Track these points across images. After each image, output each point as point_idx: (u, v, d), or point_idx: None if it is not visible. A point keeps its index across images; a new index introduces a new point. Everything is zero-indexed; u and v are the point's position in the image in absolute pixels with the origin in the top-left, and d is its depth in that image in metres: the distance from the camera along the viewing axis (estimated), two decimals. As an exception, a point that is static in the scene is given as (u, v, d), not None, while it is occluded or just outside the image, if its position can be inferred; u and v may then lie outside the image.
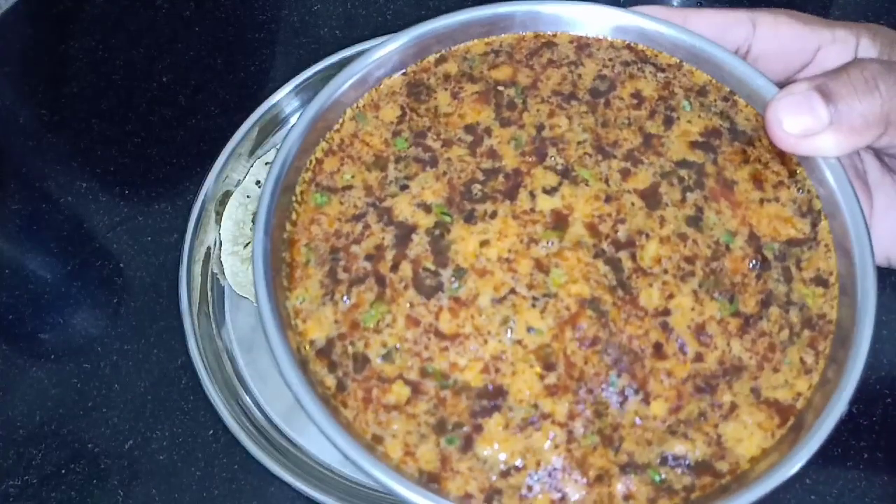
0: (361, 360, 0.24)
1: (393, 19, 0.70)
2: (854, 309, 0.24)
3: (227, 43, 0.70)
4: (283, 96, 0.64)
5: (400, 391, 0.23)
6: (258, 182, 0.61)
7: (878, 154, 0.28)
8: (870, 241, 0.24)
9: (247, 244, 0.58)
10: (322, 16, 0.71)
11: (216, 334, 0.56)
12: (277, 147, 0.26)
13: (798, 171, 0.27)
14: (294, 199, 0.26)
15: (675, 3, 0.70)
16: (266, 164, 0.61)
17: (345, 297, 0.24)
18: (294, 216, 0.26)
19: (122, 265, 0.60)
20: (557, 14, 0.27)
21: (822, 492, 0.50)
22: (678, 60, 0.28)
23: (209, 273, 0.58)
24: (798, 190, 0.26)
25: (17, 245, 0.62)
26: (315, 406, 0.23)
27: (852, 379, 0.24)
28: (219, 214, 0.60)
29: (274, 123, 0.64)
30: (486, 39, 0.28)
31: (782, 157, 0.27)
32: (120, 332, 0.57)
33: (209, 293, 0.58)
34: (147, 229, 0.61)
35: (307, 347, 0.25)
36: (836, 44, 0.29)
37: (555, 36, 0.28)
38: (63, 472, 0.53)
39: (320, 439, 0.51)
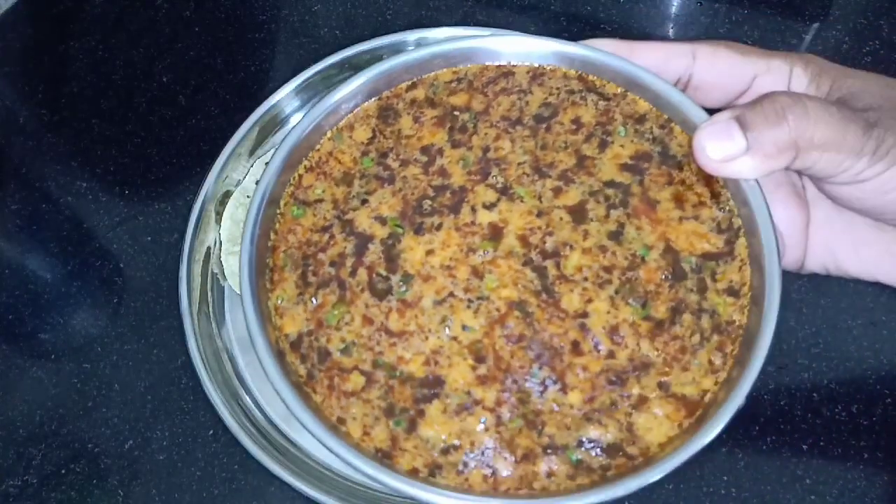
0: (324, 354, 0.27)
1: (393, 19, 0.70)
2: (761, 316, 0.27)
3: (227, 43, 0.70)
4: (283, 96, 0.63)
5: (356, 380, 0.27)
6: (258, 182, 0.61)
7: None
8: (779, 257, 0.27)
9: None
10: (322, 16, 0.71)
11: (216, 334, 0.56)
12: (266, 163, 0.31)
13: (722, 193, 0.29)
14: (278, 211, 0.30)
15: (674, 3, 0.70)
16: (266, 163, 0.61)
17: (313, 298, 0.28)
18: (277, 226, 0.30)
19: (122, 265, 0.60)
20: (503, 49, 0.30)
21: (822, 492, 0.50)
22: (623, 90, 0.31)
23: (209, 273, 0.58)
24: (720, 210, 0.29)
25: (17, 245, 0.62)
26: (288, 392, 0.26)
27: (752, 376, 0.26)
28: (219, 214, 0.60)
29: (274, 123, 0.64)
30: (453, 68, 0.31)
31: (708, 179, 0.29)
32: (120, 332, 0.57)
33: (209, 293, 0.57)
34: (147, 229, 0.61)
35: (283, 340, 0.28)
36: (770, 73, 0.31)
37: (514, 66, 0.30)
38: (63, 472, 0.53)
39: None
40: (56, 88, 0.69)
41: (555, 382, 0.26)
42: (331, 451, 0.25)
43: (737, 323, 0.28)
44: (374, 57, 0.66)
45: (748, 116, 0.27)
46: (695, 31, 0.69)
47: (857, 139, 0.27)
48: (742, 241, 0.29)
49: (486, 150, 0.30)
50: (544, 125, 0.30)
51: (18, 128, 0.67)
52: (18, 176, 0.64)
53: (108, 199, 0.63)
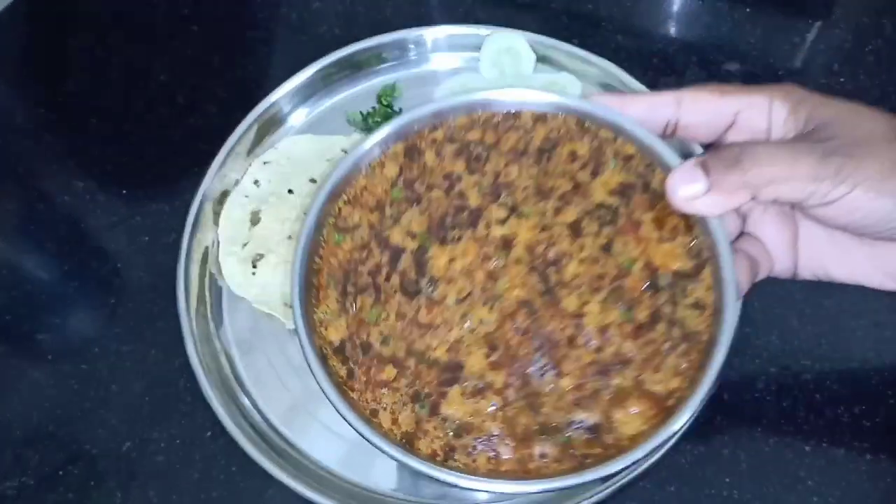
0: (367, 347, 0.33)
1: (393, 17, 0.70)
2: (720, 330, 0.32)
3: (226, 41, 0.70)
4: (281, 95, 0.63)
5: (390, 371, 0.33)
6: (256, 181, 0.60)
7: None
8: (735, 283, 0.33)
9: (245, 244, 0.58)
10: (321, 14, 0.71)
11: (214, 335, 0.56)
12: (308, 206, 0.35)
13: (693, 225, 0.34)
14: (322, 238, 0.35)
15: (676, 2, 0.70)
16: (265, 163, 0.61)
17: (353, 305, 0.33)
18: (321, 251, 0.35)
19: (119, 265, 0.59)
20: (522, 100, 0.36)
21: (824, 494, 0.50)
22: (614, 135, 0.36)
23: (207, 273, 0.58)
24: (691, 239, 0.34)
25: (14, 245, 0.62)
26: (331, 390, 0.32)
27: (709, 380, 0.31)
28: (217, 214, 0.59)
29: (272, 122, 0.64)
30: (470, 115, 0.37)
31: (683, 215, 0.34)
32: (117, 332, 0.57)
33: (207, 294, 0.57)
34: (145, 229, 0.61)
35: (327, 347, 0.33)
36: (752, 108, 0.35)
37: (521, 112, 0.36)
38: (60, 473, 0.53)
39: (319, 440, 0.51)
40: (53, 87, 0.68)
41: (552, 368, 0.31)
42: (365, 438, 0.31)
43: (701, 335, 0.32)
44: (374, 55, 0.66)
45: (709, 162, 0.32)
46: (696, 29, 0.68)
47: (812, 168, 0.31)
48: (708, 268, 0.34)
49: (497, 175, 0.36)
50: (546, 156, 0.36)
51: (15, 126, 0.66)
52: (15, 175, 0.64)
53: (105, 199, 0.62)
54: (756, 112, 0.35)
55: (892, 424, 0.52)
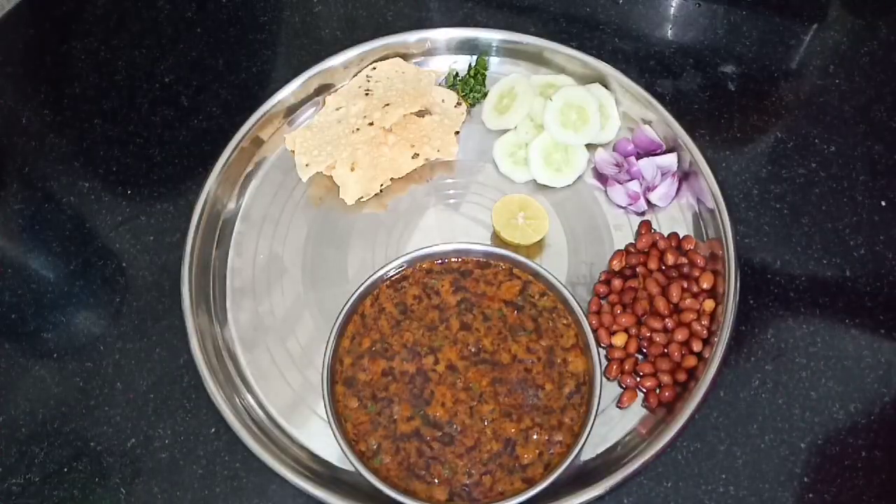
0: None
1: (394, 20, 0.70)
2: (576, 443, 0.50)
3: (229, 44, 0.71)
4: (284, 96, 0.64)
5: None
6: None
7: None
8: (589, 430, 0.50)
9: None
10: (323, 17, 0.72)
11: (218, 333, 0.56)
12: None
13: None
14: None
15: (672, 5, 0.71)
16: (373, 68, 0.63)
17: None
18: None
19: (124, 264, 0.60)
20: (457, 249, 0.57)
21: (819, 490, 0.50)
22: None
23: (211, 272, 0.58)
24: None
25: (20, 245, 0.63)
26: (354, 458, 0.49)
27: (554, 476, 0.49)
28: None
29: (275, 124, 0.64)
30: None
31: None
32: (122, 330, 0.57)
33: (211, 292, 0.58)
34: (149, 229, 0.61)
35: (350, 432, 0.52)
36: None
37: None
38: (65, 470, 0.53)
39: (321, 436, 0.52)
40: (58, 89, 0.69)
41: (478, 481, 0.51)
42: (381, 490, 0.49)
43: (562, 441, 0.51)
44: (381, 58, 0.67)
45: None
46: (693, 32, 0.69)
47: None
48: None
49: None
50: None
51: (21, 128, 0.67)
52: (21, 176, 0.65)
53: (110, 199, 0.63)
54: None
55: (887, 422, 0.52)
